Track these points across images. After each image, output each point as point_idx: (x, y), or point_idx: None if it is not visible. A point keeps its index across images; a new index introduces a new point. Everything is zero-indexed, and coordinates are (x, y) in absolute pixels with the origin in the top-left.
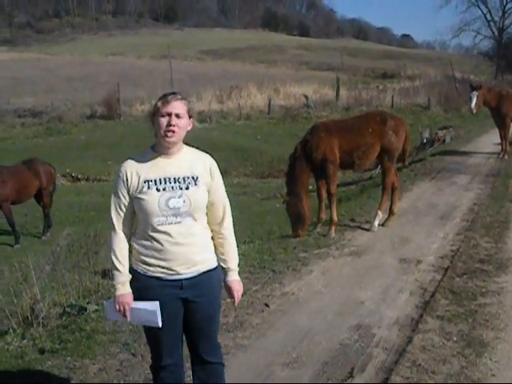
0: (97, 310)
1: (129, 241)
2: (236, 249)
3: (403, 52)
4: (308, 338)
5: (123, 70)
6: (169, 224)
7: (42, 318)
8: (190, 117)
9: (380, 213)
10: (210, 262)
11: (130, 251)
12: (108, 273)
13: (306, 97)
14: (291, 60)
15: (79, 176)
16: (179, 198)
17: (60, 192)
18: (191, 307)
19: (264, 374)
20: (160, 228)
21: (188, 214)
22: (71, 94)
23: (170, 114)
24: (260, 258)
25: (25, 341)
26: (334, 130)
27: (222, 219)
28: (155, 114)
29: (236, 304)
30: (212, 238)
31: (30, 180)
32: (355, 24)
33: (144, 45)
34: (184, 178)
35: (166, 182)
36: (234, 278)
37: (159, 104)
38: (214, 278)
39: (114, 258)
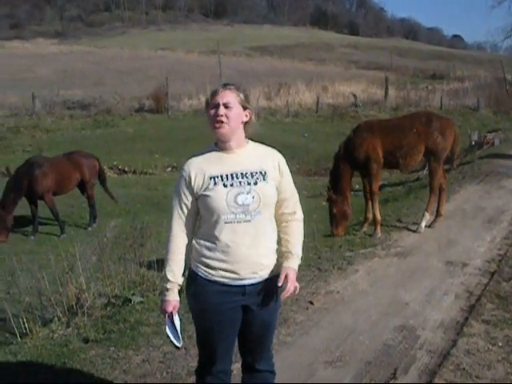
0: (141, 302)
1: (188, 243)
2: (302, 240)
3: (453, 53)
4: (352, 337)
5: (172, 64)
6: (237, 222)
7: (87, 308)
8: (244, 108)
9: (427, 214)
10: (276, 268)
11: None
12: (153, 265)
13: (354, 95)
14: (340, 58)
15: (126, 169)
16: (248, 193)
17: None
18: (250, 315)
19: (306, 372)
20: (227, 226)
21: (258, 211)
22: (120, 87)
23: (217, 105)
24: (305, 256)
25: (69, 329)
26: (377, 129)
27: (294, 213)
28: (207, 106)
29: (285, 297)
30: (279, 231)
31: (70, 172)
32: (405, 24)
33: (193, 40)
34: (252, 173)
35: (233, 178)
36: (293, 266)
37: (209, 97)
38: (276, 285)
39: (167, 263)
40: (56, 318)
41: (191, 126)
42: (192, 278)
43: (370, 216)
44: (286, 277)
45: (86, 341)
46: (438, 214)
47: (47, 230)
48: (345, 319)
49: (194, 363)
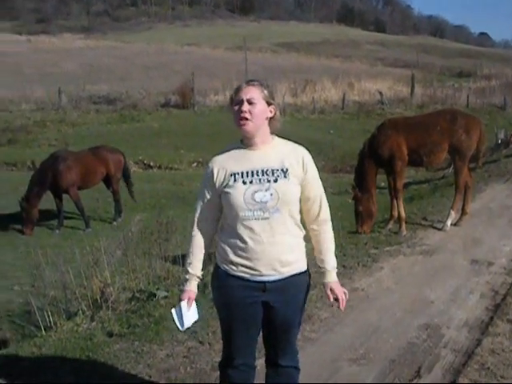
0: (166, 297)
1: (211, 239)
2: (333, 246)
3: (480, 51)
4: (376, 334)
5: (198, 60)
6: (255, 219)
7: (112, 302)
8: (269, 104)
9: (453, 212)
10: (299, 265)
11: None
12: (178, 260)
13: (380, 93)
14: (366, 55)
15: (151, 163)
16: (266, 191)
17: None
18: (272, 311)
19: (330, 369)
20: (245, 223)
21: (276, 209)
22: (146, 82)
23: (241, 101)
24: None
25: (94, 323)
26: (401, 127)
27: (318, 214)
28: (232, 102)
29: (342, 307)
30: (307, 236)
31: (95, 166)
32: (432, 21)
33: (219, 36)
34: (273, 171)
35: (252, 175)
36: (334, 280)
37: (233, 93)
38: (300, 282)
39: (187, 255)
40: (80, 312)
41: (217, 122)
42: (215, 272)
43: (396, 214)
44: (332, 291)
45: (111, 335)
46: (463, 212)
47: (72, 224)
48: (369, 317)
49: (218, 358)
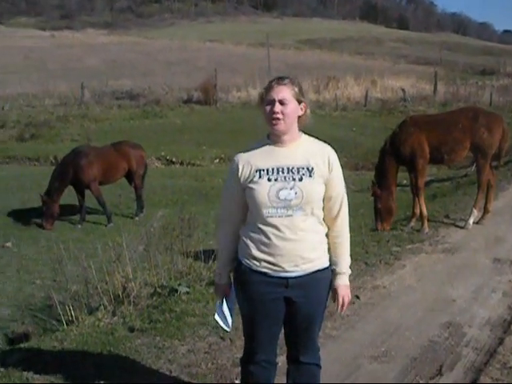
0: (187, 293)
1: (237, 232)
2: (348, 249)
3: (504, 48)
4: (398, 332)
5: (221, 56)
6: (278, 217)
7: (133, 297)
8: (299, 101)
9: (475, 211)
10: (321, 261)
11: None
12: (200, 256)
13: (403, 90)
14: (389, 53)
15: (173, 159)
16: (291, 189)
17: (154, 174)
18: (294, 307)
19: (352, 366)
20: (268, 220)
21: (299, 207)
22: (169, 78)
23: (273, 101)
24: (352, 250)
25: (115, 318)
26: (422, 124)
27: (337, 215)
28: (262, 101)
29: (340, 312)
30: (326, 235)
31: (117, 162)
32: (455, 18)
33: (242, 32)
34: (298, 169)
35: (278, 172)
36: (343, 283)
37: (263, 91)
38: (322, 278)
39: (218, 249)
40: (102, 307)
41: (239, 118)
42: (238, 267)
43: (418, 211)
44: (337, 294)
45: (132, 330)
46: (485, 210)
47: (94, 220)
48: (391, 314)
49: (239, 354)
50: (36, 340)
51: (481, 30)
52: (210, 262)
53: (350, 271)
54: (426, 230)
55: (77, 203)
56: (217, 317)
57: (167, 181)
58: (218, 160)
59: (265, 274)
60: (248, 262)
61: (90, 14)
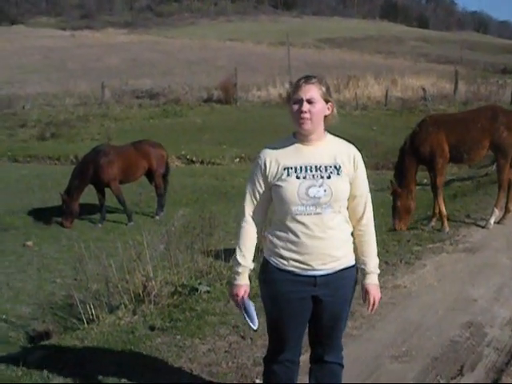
0: (208, 292)
1: (260, 231)
2: (375, 247)
3: None
4: (418, 332)
5: (241, 55)
6: (307, 214)
7: (154, 296)
8: (326, 101)
9: (496, 210)
10: (348, 259)
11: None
12: (221, 255)
13: (423, 89)
14: (409, 51)
15: (194, 158)
16: (320, 187)
17: (174, 173)
18: (321, 305)
19: (372, 366)
20: (297, 218)
21: (328, 205)
22: (189, 77)
23: (301, 100)
24: None
25: (136, 317)
26: (442, 123)
27: (362, 214)
28: (289, 100)
29: (371, 311)
30: (352, 234)
31: (137, 161)
32: (476, 17)
33: (262, 31)
34: (326, 167)
35: (306, 170)
36: (373, 282)
37: (291, 90)
38: (348, 277)
39: (237, 247)
40: (122, 306)
41: (259, 117)
42: (264, 266)
43: (437, 211)
44: (368, 294)
45: (152, 328)
46: (506, 210)
47: (115, 218)
48: (412, 314)
49: (260, 353)
50: (57, 338)
51: (502, 29)
52: (231, 261)
53: (378, 270)
54: (447, 229)
55: (97, 202)
56: (245, 315)
57: (187, 180)
58: (238, 159)
59: (292, 272)
60: (275, 260)
61: (110, 14)
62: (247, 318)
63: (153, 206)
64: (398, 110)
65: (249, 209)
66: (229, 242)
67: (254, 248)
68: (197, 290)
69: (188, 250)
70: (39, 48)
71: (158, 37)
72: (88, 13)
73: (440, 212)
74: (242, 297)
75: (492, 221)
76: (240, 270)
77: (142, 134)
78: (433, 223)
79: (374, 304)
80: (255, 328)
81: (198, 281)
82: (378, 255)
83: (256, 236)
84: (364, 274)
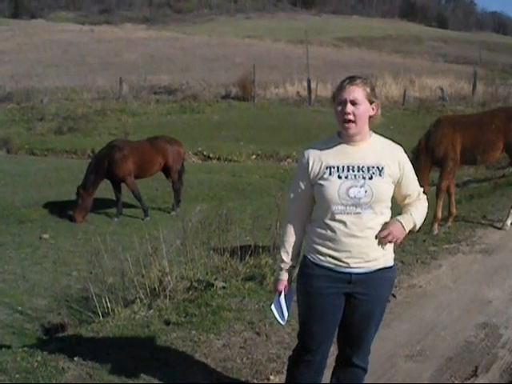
0: (224, 287)
1: (303, 227)
2: (424, 211)
3: None
4: (433, 332)
5: (259, 52)
6: (347, 214)
7: (169, 291)
8: (371, 102)
9: None
10: (386, 260)
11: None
12: (236, 251)
13: (441, 89)
14: (428, 51)
15: (211, 155)
16: (361, 187)
17: (191, 170)
18: (354, 304)
19: (387, 364)
20: (337, 217)
21: (369, 206)
22: (206, 73)
23: (344, 101)
24: None
25: (151, 311)
26: (457, 124)
27: (418, 199)
28: (333, 101)
29: (383, 239)
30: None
31: (152, 156)
32: (496, 17)
33: (281, 29)
34: (368, 168)
35: (348, 170)
36: (401, 220)
37: (335, 90)
38: (385, 277)
39: (282, 244)
40: (138, 300)
41: (277, 115)
42: (302, 261)
43: (454, 211)
44: (386, 226)
45: (168, 323)
46: None
47: (131, 213)
48: (427, 314)
49: (275, 350)
50: (72, 331)
51: None
52: (247, 257)
53: (416, 223)
54: (436, 231)
55: (114, 197)
56: (273, 308)
57: (204, 176)
58: (254, 156)
59: (329, 268)
60: (313, 256)
61: (129, 9)
62: (275, 313)
63: (169, 202)
64: (416, 109)
65: (293, 206)
66: (244, 238)
67: (298, 245)
68: (212, 285)
69: (204, 245)
70: (58, 42)
71: (177, 33)
72: (107, 8)
73: (435, 214)
74: (280, 291)
75: (509, 222)
76: (283, 265)
77: (159, 130)
78: (449, 223)
79: (385, 237)
80: (283, 323)
81: (214, 276)
82: (394, 254)
83: (300, 234)
84: (402, 215)
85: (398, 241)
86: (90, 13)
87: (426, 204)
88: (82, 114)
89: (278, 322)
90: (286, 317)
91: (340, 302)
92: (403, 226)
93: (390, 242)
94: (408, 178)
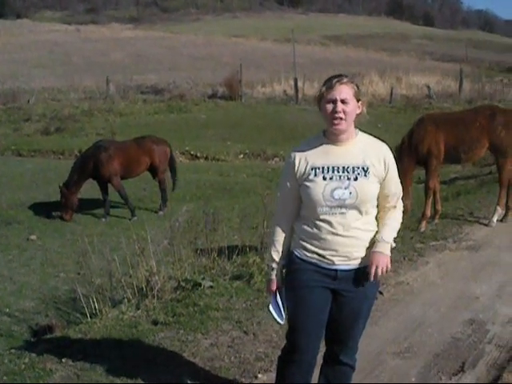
0: (211, 287)
1: (291, 226)
2: (395, 228)
3: None
4: (420, 328)
5: (246, 51)
6: (332, 214)
7: (157, 291)
8: (357, 100)
9: (499, 208)
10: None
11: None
12: (224, 250)
13: (428, 87)
14: (414, 49)
15: (198, 154)
16: (345, 189)
17: (179, 169)
18: (341, 301)
19: (374, 362)
20: (322, 217)
21: (353, 206)
22: (193, 72)
23: (335, 101)
24: None
25: (139, 311)
26: (440, 122)
27: (394, 206)
28: (321, 99)
29: (371, 279)
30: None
31: (138, 157)
32: (482, 15)
33: (267, 28)
34: (353, 168)
35: (333, 171)
36: (379, 250)
37: (323, 89)
38: (369, 274)
39: (272, 243)
40: (126, 300)
41: (264, 114)
42: (289, 257)
43: (440, 208)
44: (371, 261)
45: (155, 323)
46: (507, 207)
47: (118, 213)
48: (414, 311)
49: (263, 348)
50: (60, 332)
51: (507, 28)
52: (234, 256)
53: (393, 243)
54: (423, 228)
55: (100, 197)
56: (271, 308)
57: (191, 176)
58: (242, 155)
59: (315, 264)
60: (300, 251)
61: (116, 9)
62: (273, 312)
63: (156, 202)
64: (403, 107)
65: (281, 206)
66: (232, 237)
67: (287, 244)
68: (200, 285)
69: (191, 245)
70: (44, 42)
71: (164, 32)
72: (94, 7)
73: (424, 212)
74: (274, 291)
75: (495, 219)
76: (274, 265)
77: (146, 130)
78: (436, 221)
79: (375, 273)
80: (282, 322)
81: (202, 276)
82: None
83: (289, 233)
84: (376, 242)
85: (389, 266)
86: (76, 12)
87: (400, 216)
88: (68, 114)
89: (277, 322)
90: (283, 316)
91: (327, 297)
92: (384, 253)
93: (382, 273)
94: (391, 179)
